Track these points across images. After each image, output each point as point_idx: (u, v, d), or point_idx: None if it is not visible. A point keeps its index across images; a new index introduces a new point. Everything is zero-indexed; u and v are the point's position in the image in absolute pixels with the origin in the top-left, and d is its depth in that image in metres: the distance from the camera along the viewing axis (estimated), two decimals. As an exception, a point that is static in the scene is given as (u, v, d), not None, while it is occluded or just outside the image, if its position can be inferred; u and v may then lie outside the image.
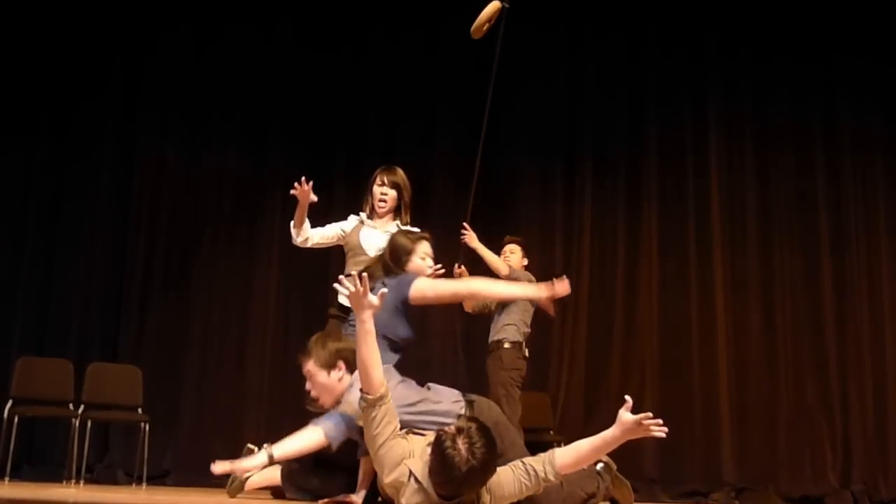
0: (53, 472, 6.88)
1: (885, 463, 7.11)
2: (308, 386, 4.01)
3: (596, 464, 4.08)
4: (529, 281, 5.84)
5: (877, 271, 7.50)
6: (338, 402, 3.95)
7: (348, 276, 3.53)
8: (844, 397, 7.32)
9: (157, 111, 8.08)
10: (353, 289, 3.40)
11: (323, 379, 3.94)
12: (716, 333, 7.50)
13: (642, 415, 3.28)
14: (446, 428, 3.28)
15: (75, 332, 7.71)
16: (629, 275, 7.80)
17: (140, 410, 6.89)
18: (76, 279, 7.79)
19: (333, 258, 7.92)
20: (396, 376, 3.93)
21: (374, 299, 3.41)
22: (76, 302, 7.76)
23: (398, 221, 5.10)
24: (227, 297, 7.84)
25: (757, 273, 7.62)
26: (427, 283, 4.22)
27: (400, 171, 5.17)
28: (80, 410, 6.66)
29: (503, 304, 5.90)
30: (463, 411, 3.89)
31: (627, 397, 3.32)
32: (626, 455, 6.73)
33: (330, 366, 3.94)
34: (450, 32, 8.11)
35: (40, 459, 7.33)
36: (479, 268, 5.97)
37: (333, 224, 5.20)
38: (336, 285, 3.54)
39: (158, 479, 7.20)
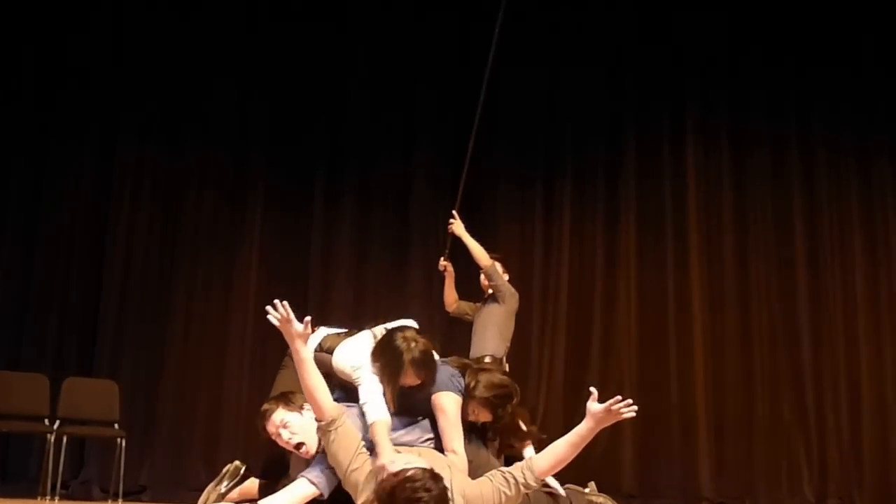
0: (28, 487, 6.80)
1: (861, 477, 7.18)
2: (287, 440, 3.74)
3: (565, 488, 4.04)
4: (511, 294, 5.87)
5: (851, 285, 7.59)
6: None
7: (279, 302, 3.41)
8: (820, 411, 7.39)
9: (135, 124, 7.99)
10: (280, 317, 3.35)
11: (298, 420, 3.74)
12: (693, 347, 7.56)
13: (610, 401, 3.28)
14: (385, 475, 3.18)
15: (51, 347, 7.61)
16: (607, 289, 7.84)
17: (116, 426, 6.83)
18: (52, 293, 7.70)
19: (313, 277, 7.94)
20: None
21: (300, 326, 3.37)
22: (52, 316, 7.67)
23: None
24: (204, 311, 7.79)
25: (733, 287, 7.69)
26: (450, 405, 3.83)
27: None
28: (55, 426, 6.59)
29: (483, 317, 5.89)
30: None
31: (592, 389, 3.33)
32: (605, 470, 6.82)
33: (300, 405, 3.76)
34: (434, 45, 8.20)
35: (15, 475, 7.24)
36: (466, 259, 5.99)
37: None
38: (269, 317, 3.41)
39: (134, 495, 7.13)
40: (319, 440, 3.66)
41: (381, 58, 8.23)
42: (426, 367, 3.75)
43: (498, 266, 5.96)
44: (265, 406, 3.81)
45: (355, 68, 8.22)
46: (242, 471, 4.35)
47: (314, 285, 7.94)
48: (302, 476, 3.61)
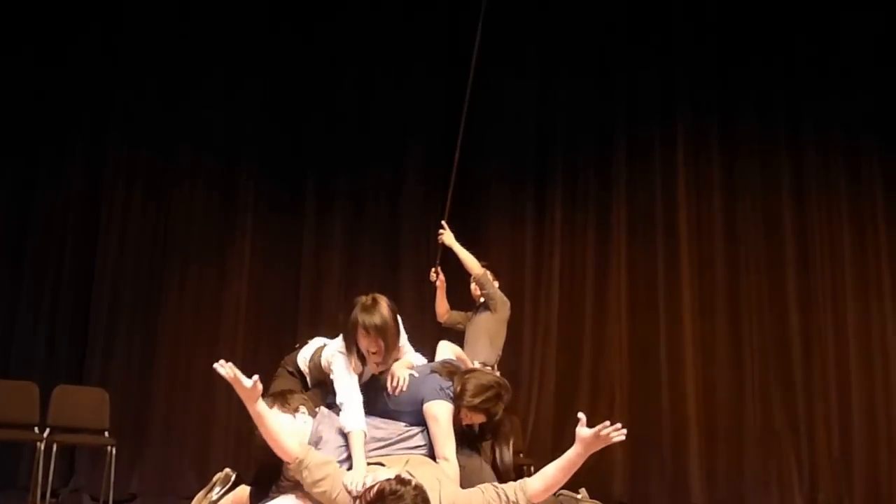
0: (18, 496, 6.77)
1: (851, 483, 7.19)
2: None
3: (557, 495, 4.03)
4: (503, 303, 5.87)
5: (841, 292, 7.60)
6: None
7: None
8: (810, 418, 7.41)
9: (126, 133, 7.98)
10: (227, 376, 3.32)
11: (290, 424, 3.69)
12: (684, 355, 7.57)
13: (598, 426, 3.26)
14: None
15: (41, 354, 7.59)
16: (598, 297, 7.85)
17: (107, 433, 6.80)
18: (42, 301, 7.68)
19: (303, 284, 7.93)
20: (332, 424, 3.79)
21: (248, 382, 3.34)
22: (42, 324, 7.65)
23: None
24: (195, 319, 7.78)
25: (724, 295, 7.70)
26: (442, 413, 3.79)
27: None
28: (45, 434, 6.54)
29: (475, 326, 5.89)
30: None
31: (580, 414, 3.31)
32: (596, 477, 6.81)
33: (295, 408, 3.73)
34: (424, 48, 8.24)
35: (4, 483, 7.18)
36: (454, 267, 5.99)
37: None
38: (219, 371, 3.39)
39: (125, 503, 7.12)
40: None
41: (371, 61, 8.27)
42: (380, 331, 3.66)
43: (488, 274, 5.97)
44: None
45: (346, 72, 8.24)
46: (233, 478, 4.34)
47: (305, 290, 7.94)
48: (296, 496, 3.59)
